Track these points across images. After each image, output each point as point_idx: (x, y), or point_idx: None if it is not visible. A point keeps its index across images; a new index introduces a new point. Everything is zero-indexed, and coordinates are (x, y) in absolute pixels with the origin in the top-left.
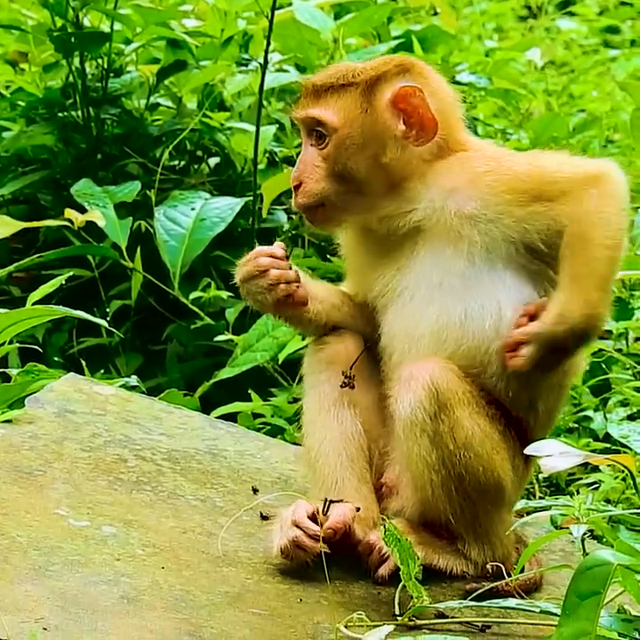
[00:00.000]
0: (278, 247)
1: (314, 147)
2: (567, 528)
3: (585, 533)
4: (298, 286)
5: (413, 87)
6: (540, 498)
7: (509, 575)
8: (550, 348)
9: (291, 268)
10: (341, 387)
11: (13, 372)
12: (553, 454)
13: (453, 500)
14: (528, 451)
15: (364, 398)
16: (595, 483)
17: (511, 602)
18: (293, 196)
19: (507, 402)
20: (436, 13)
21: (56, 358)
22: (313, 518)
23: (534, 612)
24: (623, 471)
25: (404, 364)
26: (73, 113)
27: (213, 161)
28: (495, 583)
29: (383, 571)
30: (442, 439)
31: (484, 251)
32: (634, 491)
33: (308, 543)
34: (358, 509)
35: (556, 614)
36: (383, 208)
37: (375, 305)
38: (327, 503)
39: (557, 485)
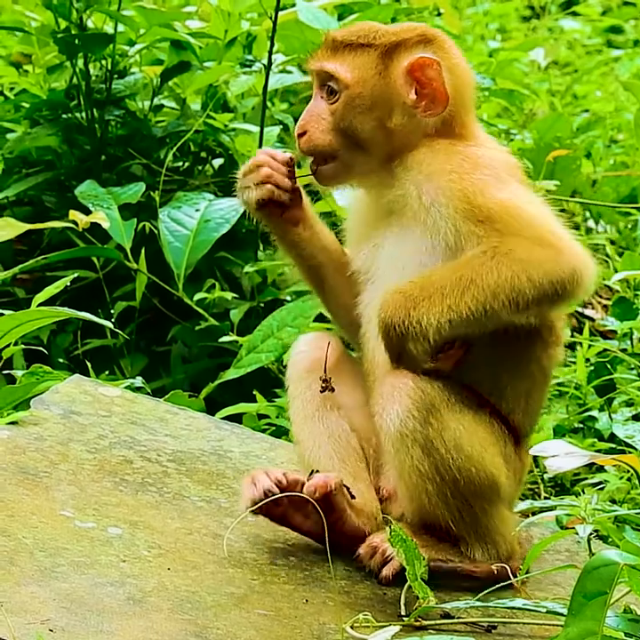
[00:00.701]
0: (283, 153)
1: (323, 99)
2: (573, 528)
3: (590, 533)
4: (290, 200)
5: (432, 59)
6: (546, 498)
7: (515, 574)
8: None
9: (292, 180)
10: (321, 392)
11: (18, 373)
12: (558, 455)
13: (451, 506)
14: (533, 451)
15: (349, 398)
16: (600, 483)
17: (517, 602)
18: (297, 143)
19: (480, 388)
20: (439, 14)
21: (61, 360)
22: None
23: (540, 612)
24: (629, 471)
25: (382, 375)
26: (77, 114)
27: (217, 162)
28: (459, 565)
29: (387, 571)
30: (433, 445)
31: (442, 241)
32: (639, 491)
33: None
34: (350, 492)
35: (562, 614)
36: (377, 177)
37: (358, 280)
38: (312, 473)
39: (563, 485)
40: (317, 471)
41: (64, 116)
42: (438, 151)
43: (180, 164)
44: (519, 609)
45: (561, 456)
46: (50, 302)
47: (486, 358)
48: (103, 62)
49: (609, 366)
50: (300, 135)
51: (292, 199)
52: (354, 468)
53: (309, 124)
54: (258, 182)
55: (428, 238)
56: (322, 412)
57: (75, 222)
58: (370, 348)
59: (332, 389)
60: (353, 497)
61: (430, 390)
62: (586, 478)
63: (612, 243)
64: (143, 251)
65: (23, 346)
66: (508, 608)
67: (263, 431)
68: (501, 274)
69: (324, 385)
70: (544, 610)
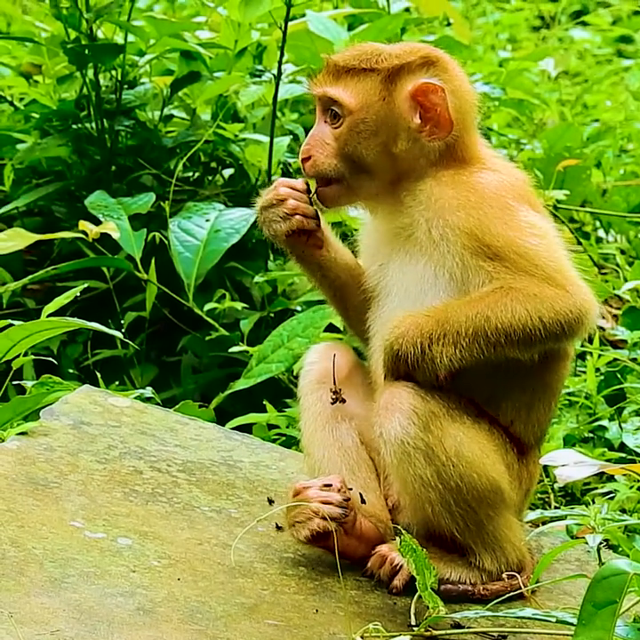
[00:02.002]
0: (301, 181)
1: (327, 124)
2: (583, 538)
3: (600, 543)
4: (317, 225)
5: (436, 85)
6: (556, 507)
7: (525, 584)
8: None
9: (311, 205)
10: (331, 403)
11: (28, 384)
12: (568, 464)
13: (454, 514)
14: (543, 461)
15: (361, 409)
16: (610, 492)
17: (527, 611)
18: (302, 167)
19: (477, 399)
20: (449, 24)
21: (71, 370)
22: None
23: (550, 621)
24: (639, 481)
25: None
26: (87, 125)
27: (227, 172)
28: (470, 587)
29: (397, 582)
30: (433, 452)
31: (446, 273)
32: None
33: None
34: (361, 496)
35: (572, 624)
36: (383, 201)
37: (368, 296)
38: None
39: (573, 495)
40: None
41: (74, 126)
42: (446, 184)
43: (191, 174)
44: (529, 618)
45: (571, 465)
46: (60, 313)
47: (481, 372)
48: (113, 73)
49: (619, 376)
50: (305, 160)
51: (318, 223)
52: (364, 479)
53: (314, 148)
54: (284, 215)
55: (432, 269)
56: (332, 424)
57: (85, 233)
58: (374, 360)
59: (343, 400)
60: (363, 501)
61: (430, 398)
62: (596, 488)
63: (623, 252)
64: (153, 261)
65: (33, 356)
66: (518, 618)
67: (273, 441)
68: (516, 312)
69: (334, 396)
70: (554, 619)
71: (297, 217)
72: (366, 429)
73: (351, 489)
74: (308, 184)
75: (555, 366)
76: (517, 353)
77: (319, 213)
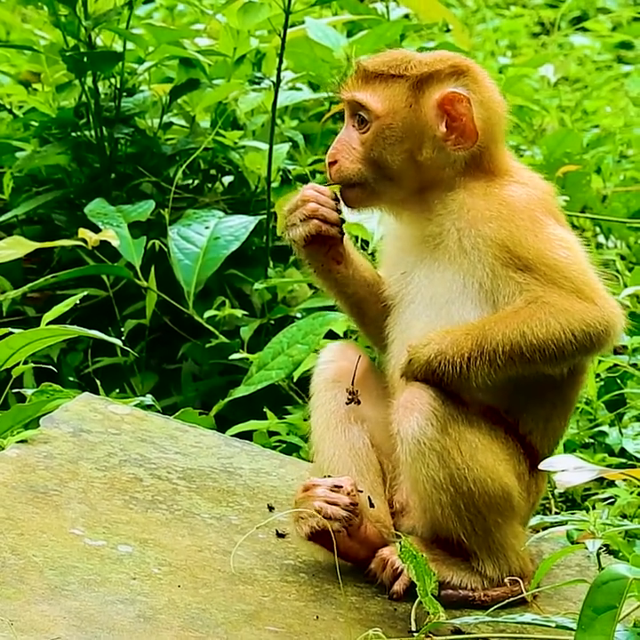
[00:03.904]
0: (327, 188)
1: (354, 129)
2: (583, 543)
3: (601, 548)
4: (339, 233)
5: (462, 95)
6: (556, 513)
7: (526, 589)
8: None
9: (340, 211)
10: (346, 403)
11: (28, 392)
12: (567, 469)
13: (463, 518)
14: (542, 466)
15: (373, 412)
16: (611, 498)
17: (527, 617)
18: (327, 172)
19: (500, 410)
20: (448, 30)
21: (71, 378)
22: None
23: (550, 626)
24: (639, 486)
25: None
26: (86, 133)
27: (227, 179)
28: (471, 593)
29: (398, 586)
30: (449, 454)
31: (476, 282)
32: None
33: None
34: (370, 500)
35: (571, 629)
36: (408, 208)
37: (388, 304)
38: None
39: (573, 500)
40: (329, 476)
41: (73, 134)
42: (477, 195)
43: (190, 181)
44: (529, 624)
45: (570, 471)
46: (60, 320)
47: (506, 386)
48: (112, 80)
49: (619, 381)
50: (331, 164)
51: (342, 232)
52: (371, 483)
53: (340, 153)
54: (304, 218)
55: (461, 278)
56: (345, 424)
57: (84, 240)
58: (392, 365)
59: (359, 402)
60: (372, 505)
61: (450, 401)
62: (596, 493)
63: (623, 258)
64: (153, 268)
65: (33, 364)
66: (518, 623)
67: (274, 448)
68: (550, 327)
69: (350, 397)
70: (554, 625)
71: (314, 221)
72: (377, 433)
73: (361, 491)
74: (335, 194)
75: (576, 380)
76: (549, 368)
77: (342, 225)
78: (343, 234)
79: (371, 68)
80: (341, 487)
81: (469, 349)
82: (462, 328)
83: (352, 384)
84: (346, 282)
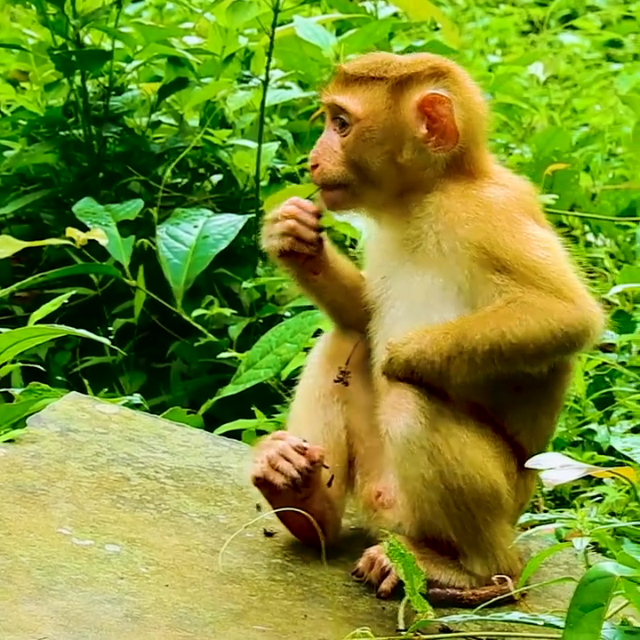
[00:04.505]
0: (313, 205)
1: (335, 132)
2: (570, 541)
3: (588, 546)
4: (315, 251)
5: (443, 96)
6: (545, 511)
7: (514, 588)
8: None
9: (320, 230)
10: (335, 381)
11: (16, 391)
12: (554, 467)
13: (453, 516)
14: (529, 463)
15: (358, 398)
16: (599, 496)
17: (515, 615)
18: (311, 175)
19: (487, 409)
20: (437, 29)
21: (59, 377)
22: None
23: (538, 625)
24: (627, 484)
25: (385, 385)
26: (74, 131)
27: (216, 178)
28: (458, 592)
29: (386, 585)
30: (439, 451)
31: (455, 285)
32: (637, 503)
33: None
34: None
35: (559, 627)
36: (388, 211)
37: (371, 306)
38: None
39: (562, 499)
40: (305, 441)
41: (62, 133)
42: (454, 197)
43: (179, 180)
44: (517, 622)
45: (557, 469)
46: (48, 320)
47: (490, 385)
48: (101, 79)
49: (608, 379)
50: (313, 167)
51: (316, 250)
52: (334, 462)
53: (322, 156)
54: (281, 233)
55: (440, 281)
56: (328, 400)
57: (73, 239)
58: (376, 367)
59: (346, 383)
60: (329, 484)
61: (437, 399)
62: (585, 491)
63: (611, 256)
64: (141, 267)
65: (21, 364)
66: (505, 621)
67: None
68: (529, 326)
69: (340, 376)
70: (542, 623)
71: (289, 238)
72: (356, 419)
73: (327, 468)
74: (320, 209)
75: (560, 378)
76: (528, 367)
77: (322, 239)
78: (320, 251)
79: (350, 71)
80: (306, 450)
81: (448, 348)
82: (441, 327)
83: (346, 364)
84: (323, 290)
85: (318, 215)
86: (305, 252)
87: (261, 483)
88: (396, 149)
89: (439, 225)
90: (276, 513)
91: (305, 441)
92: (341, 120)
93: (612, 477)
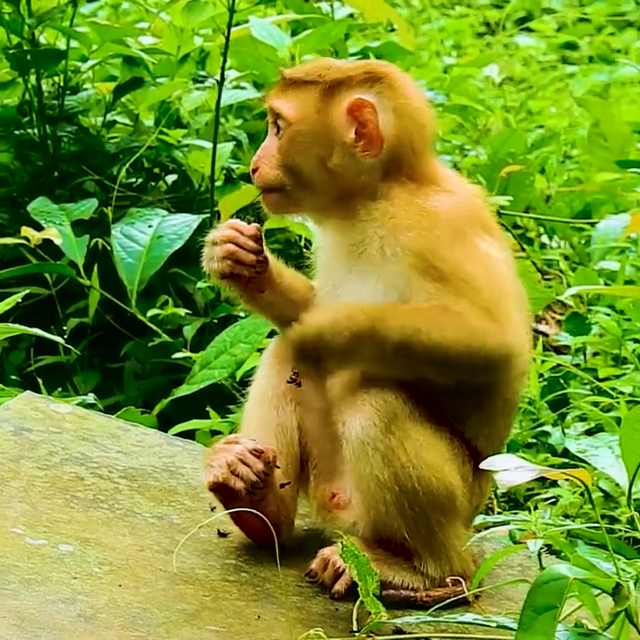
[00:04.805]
0: (252, 227)
1: (275, 136)
2: (524, 543)
3: (542, 548)
4: (257, 272)
5: (366, 100)
6: (499, 513)
7: (468, 590)
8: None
9: (259, 252)
10: (287, 382)
11: None
12: (508, 469)
13: (407, 517)
14: (484, 465)
15: (309, 399)
16: (553, 498)
17: (468, 617)
18: (252, 178)
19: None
20: (393, 30)
21: (13, 376)
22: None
23: (491, 626)
24: (581, 486)
25: (339, 386)
26: (29, 131)
27: (171, 178)
28: (412, 593)
29: (339, 586)
30: (394, 453)
31: (395, 291)
32: (591, 506)
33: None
34: (285, 483)
35: (512, 629)
36: (332, 215)
37: None
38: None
39: (516, 500)
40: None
41: (16, 132)
42: (398, 205)
43: (134, 180)
44: (470, 624)
45: (511, 470)
46: (2, 319)
47: (445, 389)
48: (56, 78)
49: (562, 381)
50: (254, 171)
51: (258, 271)
52: (287, 464)
53: (261, 160)
54: (221, 257)
55: (382, 286)
56: (280, 401)
57: (27, 239)
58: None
59: (299, 384)
60: (282, 486)
61: (393, 400)
62: (539, 493)
63: (566, 258)
64: (96, 267)
65: None
66: (459, 623)
67: None
68: (446, 334)
69: (293, 376)
70: (495, 624)
71: (228, 262)
72: (308, 421)
73: (279, 468)
74: (259, 230)
75: (514, 383)
76: (436, 375)
77: (267, 256)
78: (263, 270)
79: (288, 75)
80: (262, 453)
81: (362, 326)
82: (363, 306)
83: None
84: (271, 306)
85: (257, 238)
86: (243, 274)
87: (219, 488)
88: (325, 154)
89: (383, 230)
90: (230, 517)
91: (255, 442)
92: (278, 124)
93: (567, 479)
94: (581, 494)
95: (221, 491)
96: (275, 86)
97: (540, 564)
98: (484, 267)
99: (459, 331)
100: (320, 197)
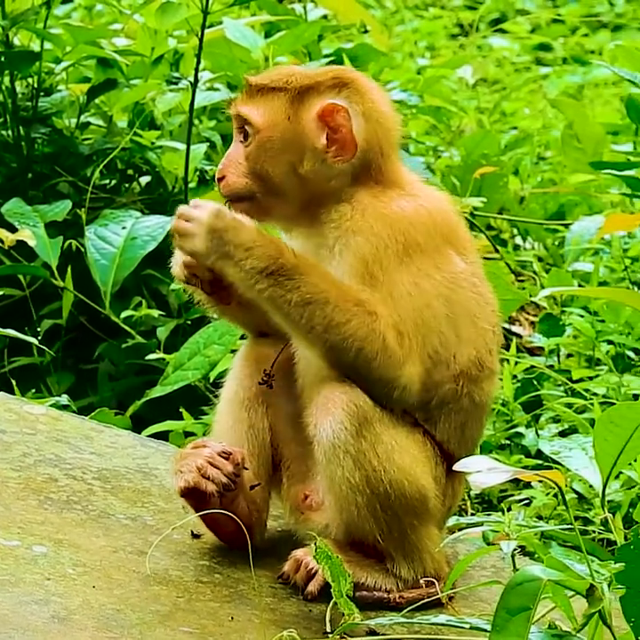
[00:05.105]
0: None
1: (241, 143)
2: (497, 544)
3: (516, 549)
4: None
5: (340, 105)
6: (472, 514)
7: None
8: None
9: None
10: (259, 384)
11: None
12: (481, 470)
13: (379, 519)
14: (457, 467)
15: (281, 401)
16: (527, 499)
17: (441, 618)
18: (217, 187)
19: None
20: (366, 31)
21: None
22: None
23: (464, 628)
24: (554, 488)
25: (310, 388)
26: (3, 132)
27: (144, 179)
28: (385, 594)
29: (312, 587)
30: (365, 457)
31: None
32: (565, 507)
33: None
34: (255, 485)
35: (485, 630)
36: (299, 222)
37: None
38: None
39: (490, 502)
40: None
41: None
42: (357, 209)
43: (107, 181)
44: (443, 625)
45: (484, 472)
46: None
47: (421, 396)
48: (29, 80)
49: (536, 383)
50: (220, 179)
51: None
52: (258, 467)
53: (227, 168)
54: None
55: None
56: (252, 403)
57: (1, 240)
58: (298, 371)
59: (271, 386)
60: (252, 487)
61: (363, 404)
62: (513, 495)
63: (540, 259)
64: (70, 268)
65: None
66: (432, 624)
67: None
68: (348, 324)
69: (265, 378)
70: (468, 626)
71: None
72: (280, 423)
73: (247, 469)
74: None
75: (484, 385)
76: (323, 355)
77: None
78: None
79: (254, 82)
80: (230, 455)
81: (282, 264)
82: (299, 252)
83: (271, 367)
84: (238, 316)
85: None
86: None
87: (190, 492)
88: (296, 160)
89: (339, 231)
90: (202, 520)
91: (222, 444)
92: (245, 131)
93: (540, 481)
94: (555, 496)
95: (193, 495)
96: (240, 93)
97: (514, 566)
98: (417, 290)
99: (362, 328)
100: (290, 204)
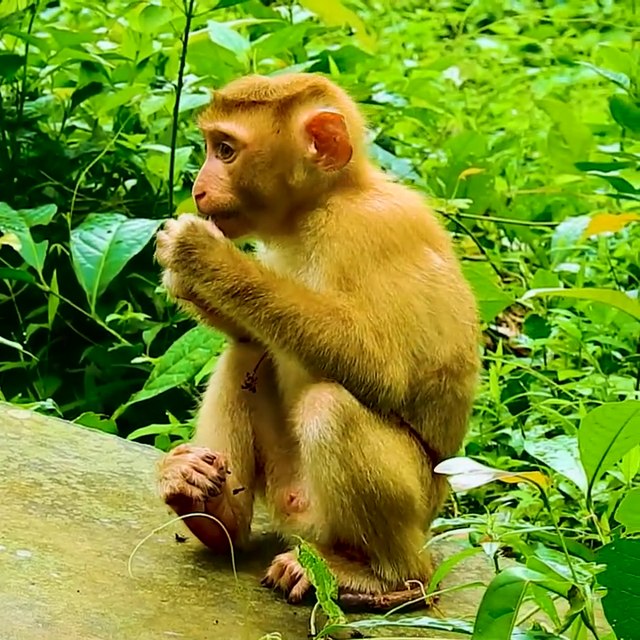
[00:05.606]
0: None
1: (219, 159)
2: (481, 546)
3: (500, 551)
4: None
5: (335, 114)
6: (458, 516)
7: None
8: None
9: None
10: (242, 387)
11: None
12: (463, 472)
13: (365, 520)
14: (438, 469)
15: (265, 404)
16: (513, 500)
17: (425, 620)
18: (196, 204)
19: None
20: (352, 33)
21: None
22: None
23: (447, 630)
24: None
25: (292, 390)
26: None
27: (130, 183)
28: (370, 597)
29: (297, 590)
30: (351, 457)
31: None
32: (548, 508)
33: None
34: (239, 489)
35: (468, 632)
36: (277, 232)
37: None
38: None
39: (476, 503)
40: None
41: None
42: (332, 213)
43: (93, 185)
44: (427, 627)
45: (465, 474)
46: None
47: (405, 394)
48: (14, 84)
49: (522, 384)
50: (199, 196)
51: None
52: (242, 470)
53: (208, 185)
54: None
55: None
56: (235, 406)
57: None
58: (279, 374)
59: (254, 390)
60: (236, 491)
61: (349, 404)
62: (499, 496)
63: (526, 260)
64: (55, 272)
65: None
66: (416, 626)
67: None
68: (322, 335)
69: (248, 381)
70: (451, 628)
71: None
72: (263, 427)
73: (230, 473)
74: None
75: (465, 381)
76: (302, 365)
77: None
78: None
79: (230, 96)
80: (214, 459)
81: (249, 283)
82: (265, 267)
83: (254, 371)
84: (224, 324)
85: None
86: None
87: (176, 498)
88: (286, 172)
89: (315, 238)
90: (187, 525)
91: (205, 449)
92: (225, 146)
93: (525, 482)
94: (540, 497)
95: (178, 501)
96: (212, 108)
97: (497, 568)
98: (395, 290)
99: (336, 336)
100: (274, 216)
